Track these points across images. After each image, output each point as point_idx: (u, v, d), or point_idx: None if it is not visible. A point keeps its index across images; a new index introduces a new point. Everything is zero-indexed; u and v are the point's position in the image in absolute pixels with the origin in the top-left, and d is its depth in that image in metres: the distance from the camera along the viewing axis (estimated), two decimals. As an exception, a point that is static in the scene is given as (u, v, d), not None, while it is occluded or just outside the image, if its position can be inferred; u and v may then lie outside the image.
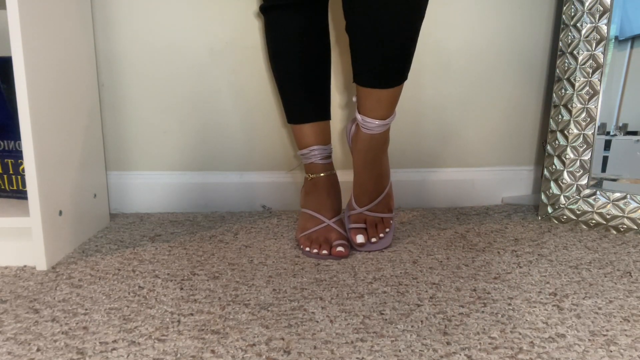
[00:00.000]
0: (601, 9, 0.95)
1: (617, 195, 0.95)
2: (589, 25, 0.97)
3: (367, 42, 0.72)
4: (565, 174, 1.01)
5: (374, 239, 0.83)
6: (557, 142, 1.02)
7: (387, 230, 0.85)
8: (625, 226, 0.94)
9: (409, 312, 0.63)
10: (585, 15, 0.97)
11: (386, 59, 0.72)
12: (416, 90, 1.08)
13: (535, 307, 0.64)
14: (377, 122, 0.76)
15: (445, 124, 1.10)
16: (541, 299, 0.66)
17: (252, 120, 1.07)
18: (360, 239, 0.82)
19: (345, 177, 1.09)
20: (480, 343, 0.55)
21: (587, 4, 0.96)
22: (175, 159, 1.08)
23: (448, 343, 0.55)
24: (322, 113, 0.90)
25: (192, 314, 0.62)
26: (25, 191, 0.84)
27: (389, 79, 0.74)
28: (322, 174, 0.89)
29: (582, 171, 0.99)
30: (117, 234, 0.94)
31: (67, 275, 0.74)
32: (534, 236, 0.93)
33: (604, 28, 0.95)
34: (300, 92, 0.88)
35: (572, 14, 0.98)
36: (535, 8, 1.08)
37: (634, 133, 0.98)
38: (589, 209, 0.98)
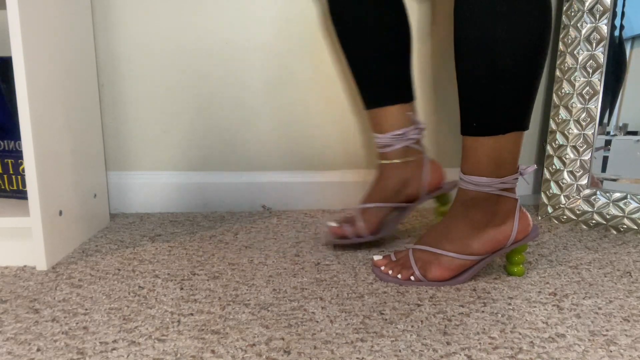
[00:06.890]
0: (601, 9, 0.95)
1: (617, 195, 0.95)
2: (589, 25, 0.97)
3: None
4: (565, 173, 1.01)
5: (382, 267, 0.74)
6: (557, 142, 1.01)
7: (399, 276, 0.72)
8: (625, 226, 0.94)
9: (409, 312, 0.63)
10: (585, 15, 0.97)
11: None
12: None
13: (535, 307, 0.64)
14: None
15: (444, 124, 1.10)
16: (541, 299, 0.66)
17: (251, 119, 1.07)
18: (375, 257, 0.77)
19: (349, 177, 1.09)
20: (480, 343, 0.55)
21: (587, 4, 0.97)
22: (175, 159, 1.08)
23: (448, 343, 0.55)
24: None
25: (192, 314, 0.62)
26: (25, 191, 0.84)
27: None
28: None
29: (582, 171, 0.99)
30: (117, 234, 0.94)
31: (67, 275, 0.74)
32: (534, 236, 0.93)
33: (604, 28, 0.95)
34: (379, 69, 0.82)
35: (572, 14, 0.98)
36: (535, 8, 1.08)
37: (634, 133, 0.98)
38: (589, 209, 0.98)
